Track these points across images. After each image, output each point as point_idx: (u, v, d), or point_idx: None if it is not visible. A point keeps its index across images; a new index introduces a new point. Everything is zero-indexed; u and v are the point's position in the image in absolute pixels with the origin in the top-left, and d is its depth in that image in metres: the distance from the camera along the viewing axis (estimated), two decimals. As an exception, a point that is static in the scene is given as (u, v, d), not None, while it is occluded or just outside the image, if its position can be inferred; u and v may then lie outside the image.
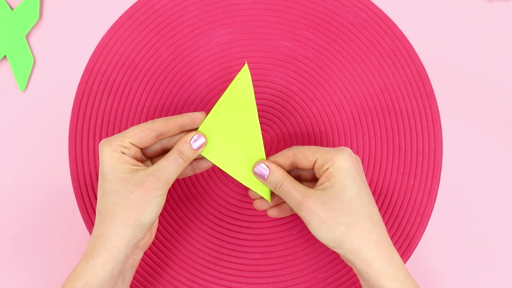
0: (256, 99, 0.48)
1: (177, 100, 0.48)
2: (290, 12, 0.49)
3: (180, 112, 0.48)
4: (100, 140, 0.48)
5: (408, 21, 0.50)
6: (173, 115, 0.48)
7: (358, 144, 0.48)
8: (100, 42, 0.49)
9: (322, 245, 0.47)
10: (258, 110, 0.48)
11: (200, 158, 0.41)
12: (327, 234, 0.37)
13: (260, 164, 0.40)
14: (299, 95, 0.49)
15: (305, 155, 0.39)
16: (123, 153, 0.38)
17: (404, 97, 0.48)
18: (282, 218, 0.47)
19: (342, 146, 0.46)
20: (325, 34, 0.49)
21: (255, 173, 0.40)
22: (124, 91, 0.49)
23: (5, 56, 0.49)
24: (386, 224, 0.47)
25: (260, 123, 0.48)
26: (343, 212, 0.37)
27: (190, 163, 0.41)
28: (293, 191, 0.38)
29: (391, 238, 0.47)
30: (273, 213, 0.43)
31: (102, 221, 0.38)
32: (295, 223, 0.47)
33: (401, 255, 0.47)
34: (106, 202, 0.38)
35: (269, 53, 0.49)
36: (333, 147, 0.44)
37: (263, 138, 0.39)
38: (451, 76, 0.49)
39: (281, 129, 0.48)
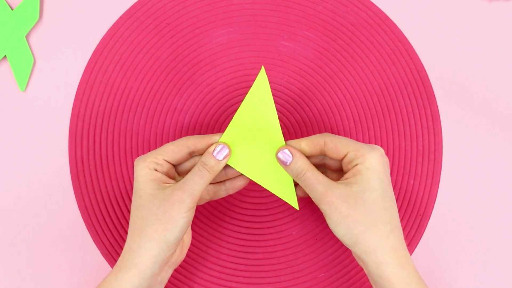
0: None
1: (177, 100, 0.48)
2: (290, 12, 0.49)
3: (181, 111, 0.48)
4: (100, 140, 0.48)
5: (408, 21, 0.50)
6: (173, 115, 0.48)
7: (358, 144, 0.48)
8: (100, 42, 0.49)
9: (322, 245, 0.47)
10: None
11: (233, 177, 0.42)
12: (345, 231, 0.37)
13: (284, 150, 0.39)
14: (299, 95, 0.49)
15: (336, 147, 0.39)
16: (156, 170, 0.39)
17: (404, 97, 0.48)
18: (282, 218, 0.47)
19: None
20: (325, 34, 0.49)
21: (278, 159, 0.40)
22: (124, 91, 0.49)
23: (5, 56, 0.49)
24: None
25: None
26: (364, 212, 0.37)
27: (223, 183, 0.42)
28: (316, 183, 0.38)
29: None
30: (298, 193, 0.42)
31: (132, 236, 0.38)
32: (295, 223, 0.47)
33: (401, 255, 0.47)
34: (136, 217, 0.38)
35: (269, 53, 0.49)
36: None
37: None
38: (451, 76, 0.49)
39: (281, 129, 0.48)
